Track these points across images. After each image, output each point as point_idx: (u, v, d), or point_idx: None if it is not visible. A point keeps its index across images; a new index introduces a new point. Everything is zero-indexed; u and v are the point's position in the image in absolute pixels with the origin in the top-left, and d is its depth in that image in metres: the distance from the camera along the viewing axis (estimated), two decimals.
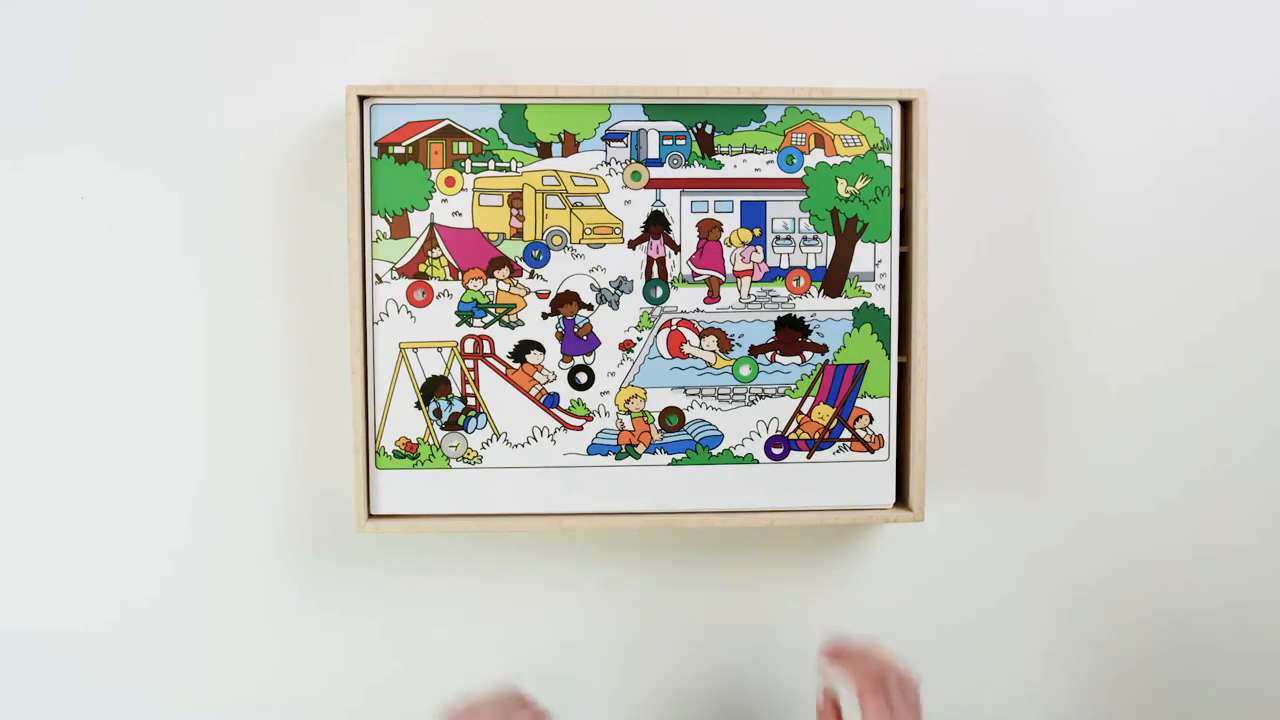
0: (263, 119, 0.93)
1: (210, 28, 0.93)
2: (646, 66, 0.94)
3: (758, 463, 0.91)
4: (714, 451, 0.91)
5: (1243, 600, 1.01)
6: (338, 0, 0.94)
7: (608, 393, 0.90)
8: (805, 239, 0.90)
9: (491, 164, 0.88)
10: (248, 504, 0.95)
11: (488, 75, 0.93)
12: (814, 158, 0.89)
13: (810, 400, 0.91)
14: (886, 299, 0.91)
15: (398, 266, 0.88)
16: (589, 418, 0.90)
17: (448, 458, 0.89)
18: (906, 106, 0.90)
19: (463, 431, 0.89)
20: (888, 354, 0.91)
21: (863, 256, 0.90)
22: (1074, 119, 0.98)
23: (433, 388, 0.89)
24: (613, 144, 0.88)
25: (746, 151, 0.89)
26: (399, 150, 0.87)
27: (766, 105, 0.89)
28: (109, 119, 0.93)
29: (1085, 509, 1.00)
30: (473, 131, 0.88)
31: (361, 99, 0.87)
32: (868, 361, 0.91)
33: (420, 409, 0.89)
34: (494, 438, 0.90)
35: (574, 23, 0.94)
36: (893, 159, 0.90)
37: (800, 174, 0.89)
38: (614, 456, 0.90)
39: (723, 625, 0.99)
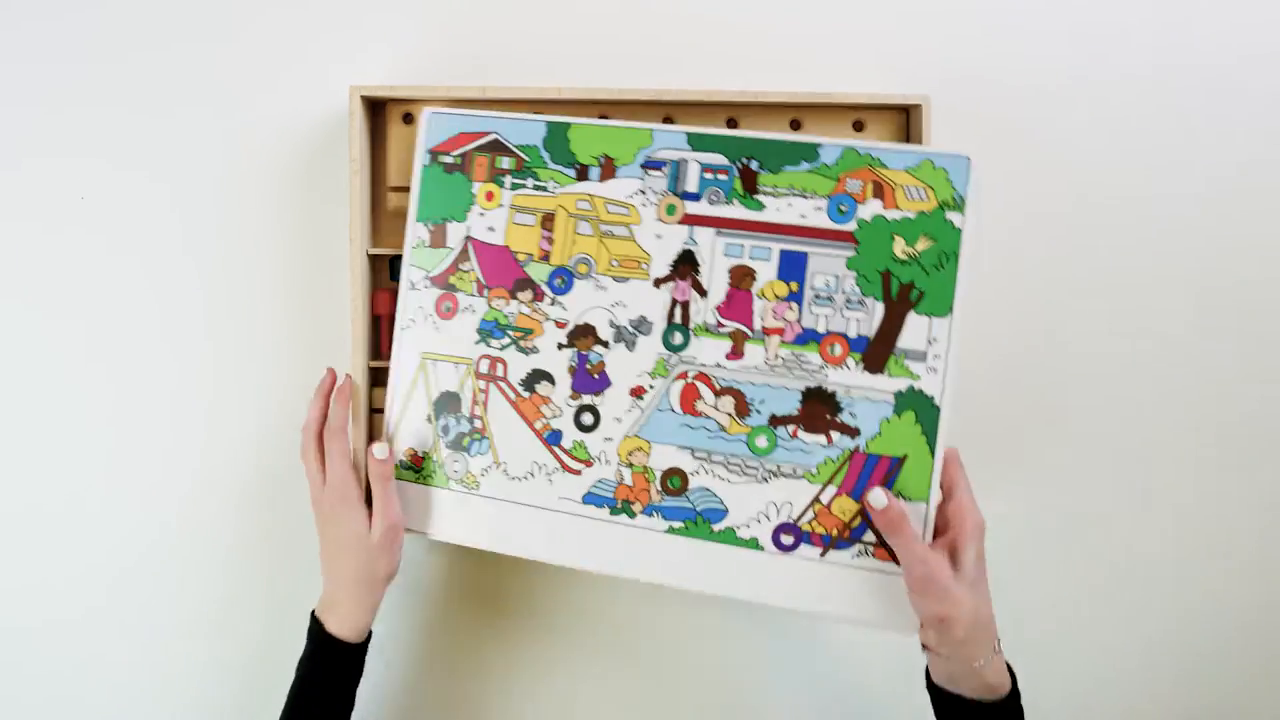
0: (266, 119, 0.96)
1: (215, 28, 0.96)
2: (646, 67, 0.93)
3: (762, 550, 0.79)
4: (715, 527, 0.80)
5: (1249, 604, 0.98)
6: (350, 1, 0.95)
7: (611, 439, 0.82)
8: (849, 301, 0.77)
9: (530, 182, 0.84)
10: (247, 508, 0.98)
11: (489, 76, 0.92)
12: (869, 209, 0.76)
13: (832, 490, 0.78)
14: (938, 386, 0.75)
15: (431, 275, 0.87)
16: (589, 463, 0.83)
17: (447, 477, 0.87)
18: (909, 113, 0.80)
19: (465, 454, 0.86)
20: (931, 451, 0.76)
21: (914, 331, 0.76)
22: (1078, 120, 0.96)
23: (444, 403, 0.87)
24: (651, 172, 0.81)
25: (793, 194, 0.78)
26: (448, 160, 0.86)
27: (821, 145, 0.77)
28: (109, 122, 0.97)
29: (1086, 511, 0.97)
30: (517, 147, 0.84)
31: (370, 101, 0.87)
32: (906, 456, 0.76)
33: (431, 423, 0.87)
34: (493, 465, 0.85)
35: (573, 23, 0.92)
36: (964, 220, 0.74)
37: (852, 226, 0.77)
38: (609, 510, 0.83)
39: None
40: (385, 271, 0.94)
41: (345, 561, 0.84)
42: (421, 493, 0.87)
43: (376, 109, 0.94)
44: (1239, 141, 0.97)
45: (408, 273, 0.87)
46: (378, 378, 0.93)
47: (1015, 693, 0.76)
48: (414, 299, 0.87)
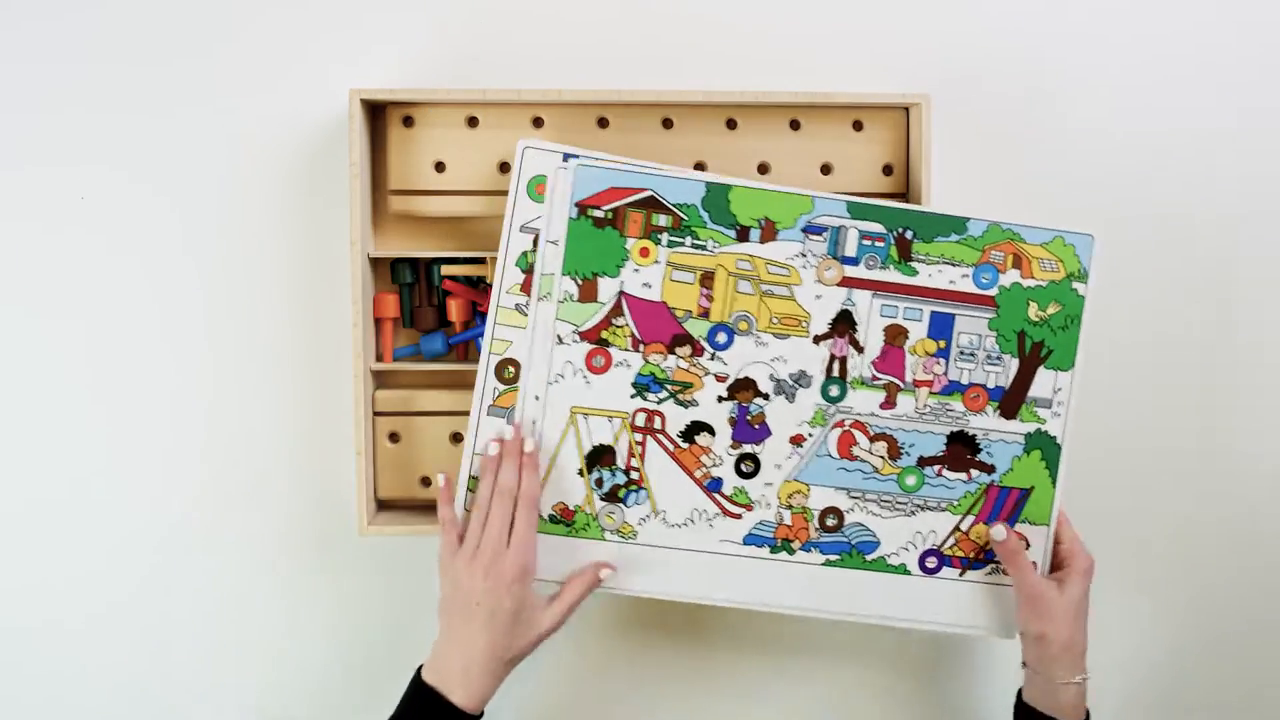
0: (267, 120, 0.96)
1: (215, 30, 0.96)
2: (646, 69, 0.97)
3: (909, 574, 0.90)
4: (868, 557, 0.90)
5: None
6: (350, 4, 0.96)
7: (771, 484, 0.88)
8: (989, 357, 0.89)
9: (688, 240, 0.87)
10: (246, 510, 0.98)
11: (489, 79, 0.95)
12: (1009, 277, 0.88)
13: (970, 519, 0.90)
14: (1060, 428, 0.90)
15: (580, 330, 0.87)
16: (749, 507, 0.89)
17: (603, 529, 0.88)
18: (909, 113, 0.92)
19: (621, 505, 0.88)
20: (1053, 483, 0.90)
21: (1042, 382, 0.89)
22: (1077, 120, 1.00)
23: (598, 456, 0.87)
24: (811, 237, 0.87)
25: (943, 262, 0.88)
26: (598, 214, 0.86)
27: (969, 220, 0.88)
28: (109, 124, 0.95)
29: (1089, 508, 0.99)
30: (674, 205, 0.86)
31: (370, 104, 0.87)
32: (1033, 488, 0.90)
33: (582, 476, 0.88)
34: (652, 514, 0.88)
35: (573, 25, 0.97)
36: (1087, 289, 0.89)
37: (993, 292, 0.88)
38: (769, 549, 0.89)
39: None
40: (386, 275, 0.96)
41: (500, 635, 0.82)
42: (574, 545, 0.88)
43: (377, 112, 0.94)
44: (1240, 142, 1.00)
45: (554, 327, 0.86)
46: (378, 381, 0.96)
47: None
48: (561, 354, 0.87)
